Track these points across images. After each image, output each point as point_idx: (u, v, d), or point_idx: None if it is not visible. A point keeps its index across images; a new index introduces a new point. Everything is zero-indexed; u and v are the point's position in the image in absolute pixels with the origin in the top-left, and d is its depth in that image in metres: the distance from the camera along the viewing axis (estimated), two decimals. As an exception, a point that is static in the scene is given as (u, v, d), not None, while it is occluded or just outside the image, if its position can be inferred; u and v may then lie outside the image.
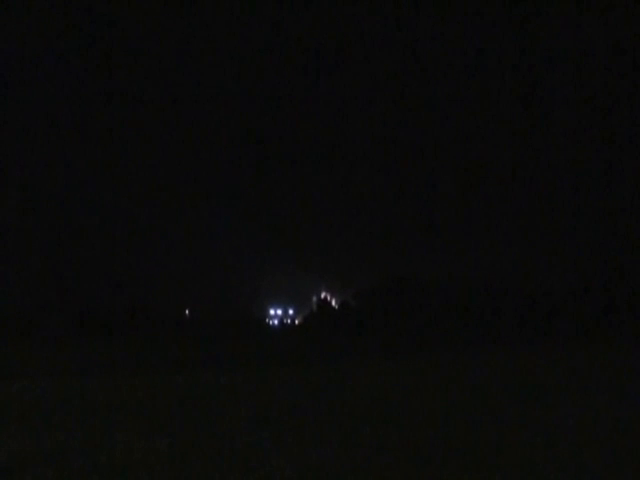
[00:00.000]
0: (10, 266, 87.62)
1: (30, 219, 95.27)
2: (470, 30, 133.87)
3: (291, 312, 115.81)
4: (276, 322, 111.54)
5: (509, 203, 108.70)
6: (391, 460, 7.85)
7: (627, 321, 56.99)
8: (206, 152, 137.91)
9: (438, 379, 17.62)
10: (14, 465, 7.76)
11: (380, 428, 9.88)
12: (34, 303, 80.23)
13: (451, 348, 34.90)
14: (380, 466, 7.57)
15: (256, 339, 60.96)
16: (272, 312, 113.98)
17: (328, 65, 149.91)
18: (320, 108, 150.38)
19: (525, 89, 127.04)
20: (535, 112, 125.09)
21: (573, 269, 79.98)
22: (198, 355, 33.61)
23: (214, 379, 18.32)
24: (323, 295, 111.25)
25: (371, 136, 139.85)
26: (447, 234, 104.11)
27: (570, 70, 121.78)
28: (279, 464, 7.66)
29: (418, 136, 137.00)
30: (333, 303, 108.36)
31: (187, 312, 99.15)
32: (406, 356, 29.05)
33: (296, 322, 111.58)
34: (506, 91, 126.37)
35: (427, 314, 75.14)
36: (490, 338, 48.12)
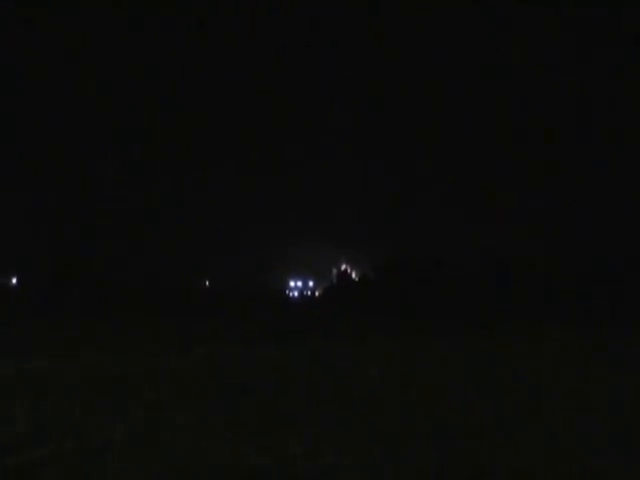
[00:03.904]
0: (30, 238, 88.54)
1: (55, 192, 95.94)
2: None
3: (311, 284, 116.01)
4: (296, 294, 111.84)
5: (529, 182, 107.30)
6: (404, 439, 7.93)
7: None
8: (229, 124, 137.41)
9: (455, 358, 17.61)
10: (35, 437, 7.95)
11: (394, 405, 9.96)
12: (54, 273, 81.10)
13: (472, 327, 34.79)
14: (392, 446, 7.66)
15: (276, 310, 61.39)
16: (292, 284, 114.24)
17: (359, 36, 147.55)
18: (342, 91, 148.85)
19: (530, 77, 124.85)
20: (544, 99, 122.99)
21: (591, 250, 78.94)
22: (218, 327, 33.93)
23: (234, 351, 18.50)
24: (343, 267, 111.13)
25: (389, 114, 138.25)
26: (471, 208, 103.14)
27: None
28: (291, 440, 7.76)
29: (431, 117, 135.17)
30: (353, 275, 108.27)
31: (207, 283, 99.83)
32: (423, 332, 29.06)
33: (316, 294, 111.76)
34: (514, 81, 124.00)
35: (446, 289, 74.85)
36: (513, 317, 47.83)
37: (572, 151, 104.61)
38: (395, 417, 9.13)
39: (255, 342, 22.68)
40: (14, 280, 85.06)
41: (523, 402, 10.39)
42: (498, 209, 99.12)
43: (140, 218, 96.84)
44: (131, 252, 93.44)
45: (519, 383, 12.47)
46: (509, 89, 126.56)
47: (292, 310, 68.67)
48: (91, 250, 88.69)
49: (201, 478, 6.53)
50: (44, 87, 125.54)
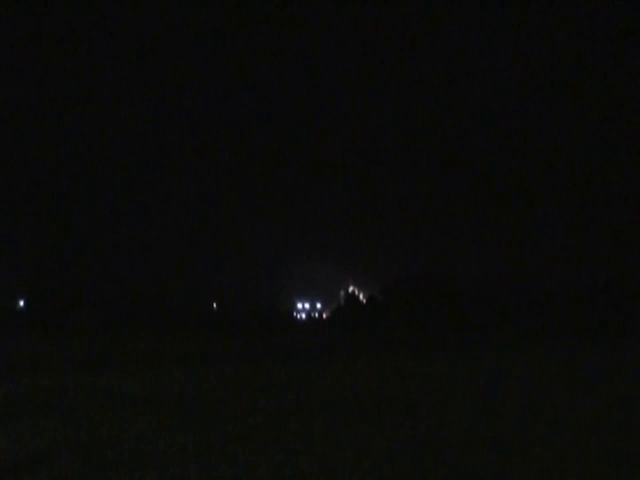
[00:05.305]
0: (39, 258, 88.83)
1: (61, 211, 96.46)
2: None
3: (319, 306, 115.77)
4: (304, 316, 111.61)
5: (536, 199, 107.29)
6: (413, 457, 7.73)
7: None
8: (234, 141, 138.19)
9: (462, 376, 17.39)
10: (44, 457, 7.81)
11: (402, 423, 9.76)
12: (64, 297, 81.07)
13: (478, 346, 34.54)
14: (401, 463, 7.46)
15: (284, 333, 61.19)
16: (300, 306, 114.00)
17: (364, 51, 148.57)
18: (353, 102, 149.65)
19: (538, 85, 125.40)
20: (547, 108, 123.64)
21: (599, 266, 78.72)
22: (225, 349, 33.77)
23: (241, 374, 18.34)
24: (351, 289, 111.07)
25: (399, 132, 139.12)
26: (476, 229, 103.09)
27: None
28: (303, 460, 7.61)
29: (443, 132, 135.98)
30: (361, 297, 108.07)
31: (215, 305, 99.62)
32: (431, 352, 28.80)
33: (324, 316, 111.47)
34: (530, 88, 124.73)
35: (454, 310, 74.58)
36: (517, 335, 47.57)
37: (577, 168, 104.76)
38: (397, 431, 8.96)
39: (266, 364, 22.51)
40: (21, 303, 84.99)
41: (523, 415, 10.23)
42: (502, 229, 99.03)
43: (150, 243, 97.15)
44: (140, 275, 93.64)
45: (520, 398, 12.28)
46: (523, 106, 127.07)
47: (300, 332, 68.43)
48: (98, 272, 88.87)
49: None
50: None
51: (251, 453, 7.94)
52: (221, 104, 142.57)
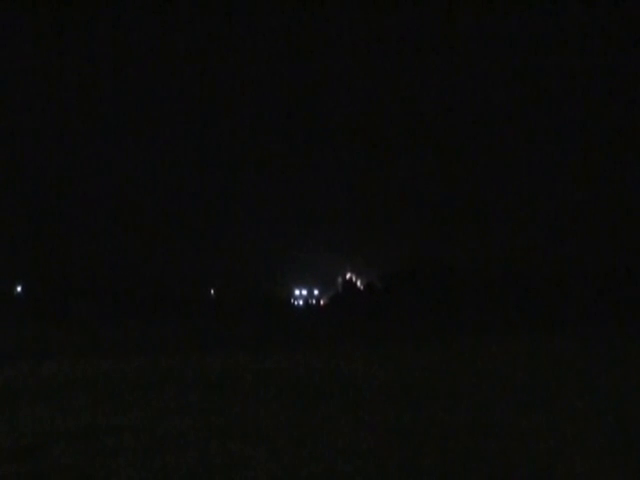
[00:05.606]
0: (40, 246, 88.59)
1: (59, 199, 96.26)
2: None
3: (316, 292, 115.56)
4: (301, 302, 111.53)
5: (535, 188, 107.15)
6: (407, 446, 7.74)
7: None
8: (233, 129, 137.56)
9: (458, 365, 17.42)
10: (41, 444, 7.79)
11: (401, 413, 9.77)
12: (64, 284, 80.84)
13: (476, 333, 34.63)
14: (396, 452, 7.47)
15: (281, 319, 61.37)
16: (297, 292, 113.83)
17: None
18: (344, 97, 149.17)
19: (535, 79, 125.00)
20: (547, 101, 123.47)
21: (596, 254, 78.68)
22: (223, 335, 33.85)
23: (239, 359, 18.37)
24: (348, 276, 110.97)
25: (396, 120, 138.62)
26: (475, 217, 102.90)
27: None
28: (303, 446, 7.61)
29: (441, 120, 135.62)
30: (359, 284, 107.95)
31: (212, 292, 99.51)
32: (430, 341, 28.87)
33: (321, 303, 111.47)
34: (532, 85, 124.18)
35: (453, 298, 74.62)
36: (515, 324, 47.70)
37: (574, 161, 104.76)
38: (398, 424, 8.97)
39: (262, 350, 22.55)
40: (19, 288, 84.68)
41: (525, 406, 10.23)
42: (502, 216, 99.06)
43: (147, 229, 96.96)
44: (138, 261, 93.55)
45: (522, 388, 12.28)
46: (514, 98, 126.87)
47: (298, 318, 68.58)
48: (96, 257, 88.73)
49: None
50: (42, 95, 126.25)
51: (249, 442, 7.93)
52: (220, 92, 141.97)
